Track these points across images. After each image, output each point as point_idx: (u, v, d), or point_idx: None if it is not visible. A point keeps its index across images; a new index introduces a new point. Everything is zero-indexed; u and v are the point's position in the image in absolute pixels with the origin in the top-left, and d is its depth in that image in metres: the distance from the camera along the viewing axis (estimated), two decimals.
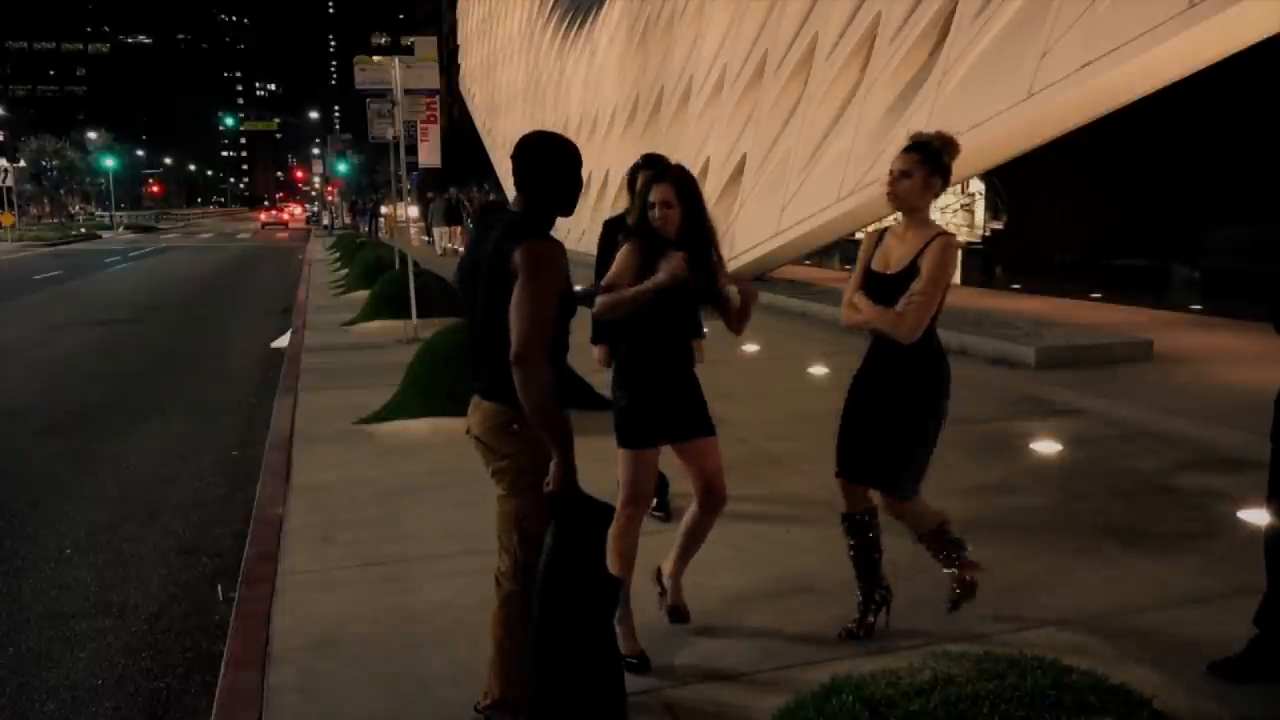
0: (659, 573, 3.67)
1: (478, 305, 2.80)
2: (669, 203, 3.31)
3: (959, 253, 3.40)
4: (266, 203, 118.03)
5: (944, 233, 3.34)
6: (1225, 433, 6.23)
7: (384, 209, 39.21)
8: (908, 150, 3.36)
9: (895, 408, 3.37)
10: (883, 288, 3.37)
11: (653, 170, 3.44)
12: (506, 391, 2.64)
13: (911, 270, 3.30)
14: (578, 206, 2.88)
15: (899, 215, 3.45)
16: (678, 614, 3.63)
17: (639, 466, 3.39)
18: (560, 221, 2.85)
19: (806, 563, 4.20)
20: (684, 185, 3.34)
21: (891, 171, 3.36)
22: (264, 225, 61.69)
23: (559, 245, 2.71)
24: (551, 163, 2.79)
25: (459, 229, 26.18)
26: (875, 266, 3.42)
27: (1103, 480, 5.43)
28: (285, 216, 64.67)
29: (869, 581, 3.57)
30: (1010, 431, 6.50)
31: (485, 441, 2.82)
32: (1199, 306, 12.67)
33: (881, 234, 3.49)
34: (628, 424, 3.40)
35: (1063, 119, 10.46)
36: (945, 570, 3.58)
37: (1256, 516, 4.66)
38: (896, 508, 3.45)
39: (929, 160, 3.33)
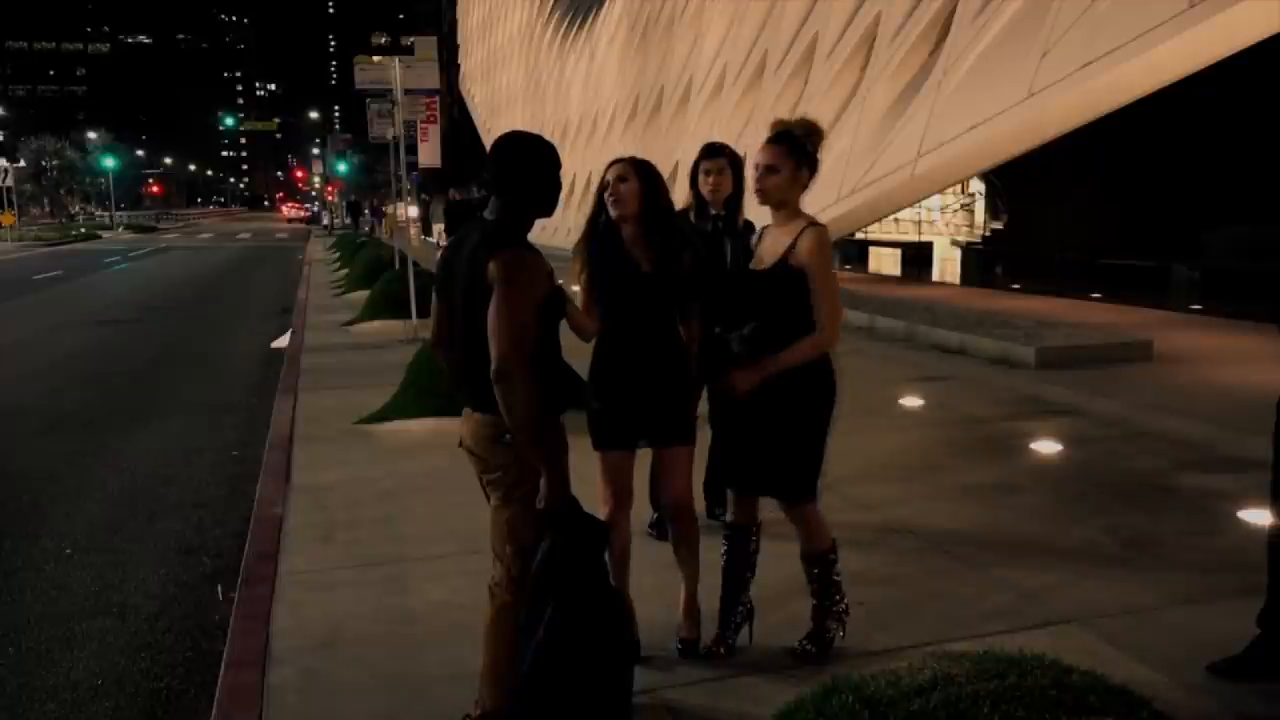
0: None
1: (456, 316, 2.75)
2: (623, 177, 3.19)
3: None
4: (266, 202, 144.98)
5: (813, 223, 3.19)
6: (1225, 433, 6.23)
7: (384, 209, 39.10)
8: (773, 142, 3.18)
9: (793, 411, 3.20)
10: (754, 284, 3.25)
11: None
12: (493, 403, 2.59)
13: (783, 265, 3.15)
14: (571, 205, 2.85)
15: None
16: (686, 647, 3.40)
17: (606, 469, 3.29)
18: (559, 220, 2.82)
19: None
20: (641, 164, 3.24)
21: (756, 166, 3.18)
22: (290, 220, 78.33)
23: (535, 254, 2.65)
24: (527, 163, 2.73)
25: None
26: (753, 264, 3.30)
27: (1103, 480, 5.43)
28: (303, 212, 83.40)
29: (732, 598, 3.42)
30: (1010, 431, 6.50)
31: (476, 453, 2.78)
32: (1199, 306, 12.68)
33: (761, 232, 3.39)
34: (592, 423, 3.29)
35: (1063, 119, 10.47)
36: (824, 618, 3.36)
37: (1256, 516, 4.66)
38: (798, 510, 3.30)
39: (795, 152, 3.17)
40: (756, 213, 4.47)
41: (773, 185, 3.17)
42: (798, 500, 3.29)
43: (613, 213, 3.21)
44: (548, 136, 2.89)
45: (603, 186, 3.23)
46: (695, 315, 3.34)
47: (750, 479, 3.33)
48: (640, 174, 3.20)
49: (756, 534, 3.42)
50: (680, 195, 4.13)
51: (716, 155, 4.23)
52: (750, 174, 3.28)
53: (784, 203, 3.22)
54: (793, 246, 3.16)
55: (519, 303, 2.55)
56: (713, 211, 4.26)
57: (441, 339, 2.88)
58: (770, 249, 3.25)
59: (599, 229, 3.26)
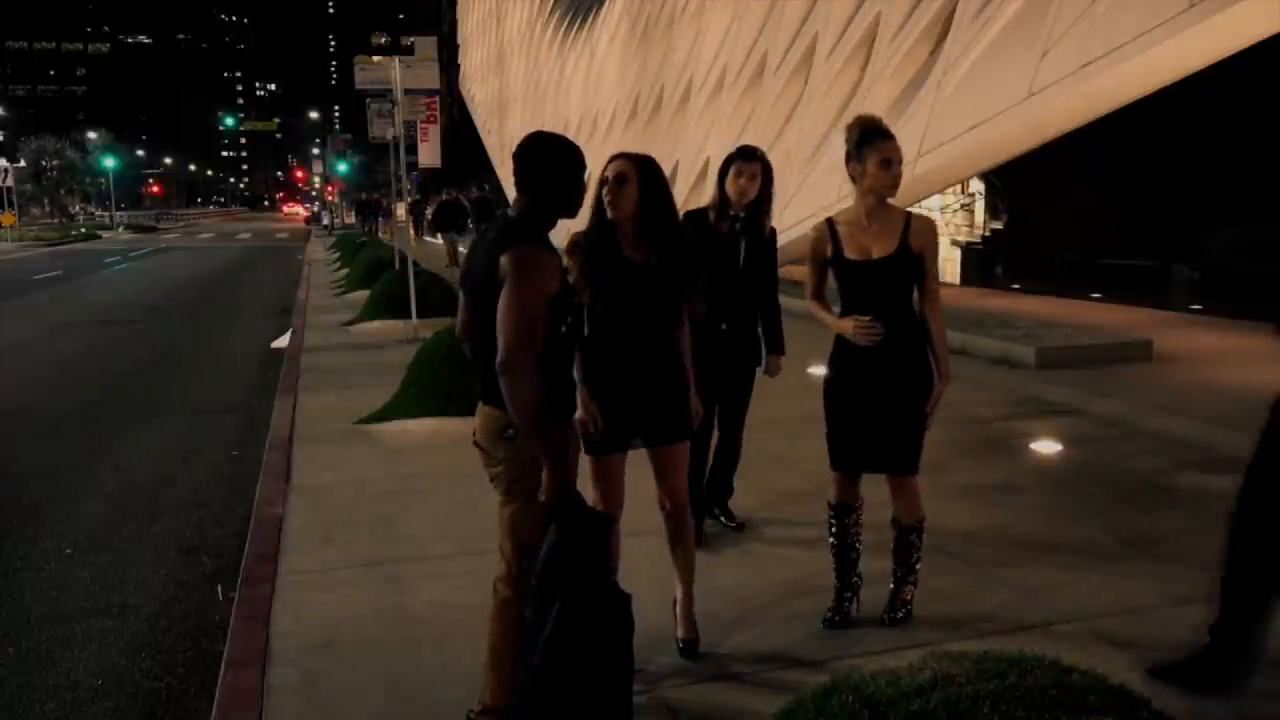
0: (674, 604, 3.50)
1: (472, 309, 2.80)
2: (623, 176, 3.11)
3: None
4: (266, 202, 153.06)
5: (914, 213, 3.39)
6: (1225, 433, 6.22)
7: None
8: (894, 139, 3.32)
9: (912, 389, 3.42)
10: (872, 274, 3.34)
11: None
12: (501, 396, 2.62)
13: (903, 253, 3.31)
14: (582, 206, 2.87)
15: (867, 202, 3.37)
16: (687, 648, 3.40)
17: (599, 474, 3.24)
18: (563, 220, 2.83)
19: (809, 563, 4.19)
20: (643, 163, 3.18)
21: (891, 160, 3.28)
22: (305, 219, 75.54)
23: (549, 250, 2.66)
24: (552, 164, 2.76)
25: None
26: (851, 255, 3.36)
27: (1103, 480, 5.43)
28: (305, 211, 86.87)
29: (848, 571, 3.65)
30: (1010, 431, 6.50)
31: (483, 446, 2.81)
32: (1199, 306, 12.67)
33: (830, 224, 3.43)
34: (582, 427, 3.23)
35: (1063, 119, 10.45)
36: (903, 584, 3.64)
37: None
38: (908, 483, 3.54)
39: None
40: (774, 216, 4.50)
41: (901, 176, 3.34)
42: (912, 472, 3.52)
43: (610, 213, 3.16)
44: None
45: (602, 183, 3.18)
46: (685, 316, 3.32)
47: (872, 459, 3.51)
48: (639, 173, 3.15)
49: (861, 510, 3.63)
50: (681, 195, 4.16)
51: (751, 159, 4.24)
52: (871, 170, 3.29)
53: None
54: (907, 233, 3.31)
55: (529, 297, 2.57)
56: (732, 212, 4.27)
57: (465, 332, 2.90)
58: (878, 237, 3.33)
59: (597, 223, 3.23)
